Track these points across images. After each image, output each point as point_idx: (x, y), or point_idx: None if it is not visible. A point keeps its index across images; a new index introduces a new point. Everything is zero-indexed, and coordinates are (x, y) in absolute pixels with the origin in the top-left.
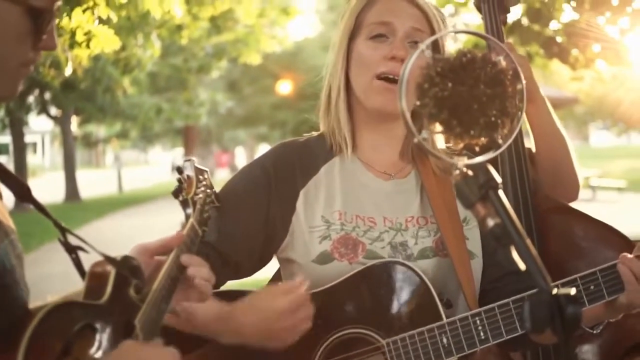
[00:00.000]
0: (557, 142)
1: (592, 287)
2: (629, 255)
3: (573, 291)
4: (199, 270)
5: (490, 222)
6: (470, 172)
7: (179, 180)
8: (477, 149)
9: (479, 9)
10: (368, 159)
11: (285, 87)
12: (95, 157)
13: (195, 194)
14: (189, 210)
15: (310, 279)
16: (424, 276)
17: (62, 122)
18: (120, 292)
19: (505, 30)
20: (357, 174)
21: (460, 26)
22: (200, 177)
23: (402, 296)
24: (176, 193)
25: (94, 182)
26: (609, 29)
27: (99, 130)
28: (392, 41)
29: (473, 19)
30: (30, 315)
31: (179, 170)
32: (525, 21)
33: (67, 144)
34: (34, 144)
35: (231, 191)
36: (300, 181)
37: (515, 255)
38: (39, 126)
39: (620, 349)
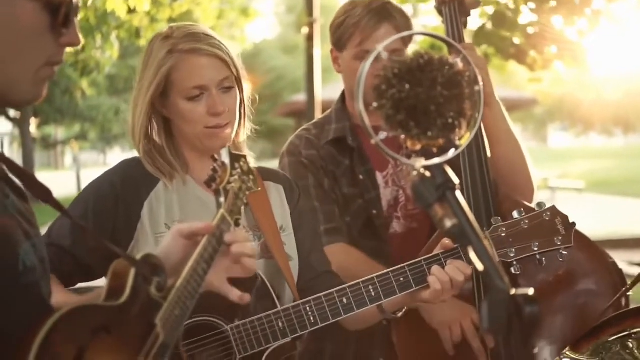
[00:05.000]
0: (511, 146)
1: (401, 279)
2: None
3: (531, 291)
4: (244, 246)
5: (448, 223)
6: (427, 174)
7: (213, 169)
8: (434, 150)
9: (440, 12)
10: (198, 177)
11: None
12: (54, 158)
13: (229, 182)
14: (221, 200)
15: None
16: (260, 273)
17: (20, 124)
18: (141, 291)
19: (470, 35)
20: (190, 189)
21: (418, 28)
22: (236, 164)
23: (243, 290)
24: (209, 182)
25: (53, 184)
26: (567, 31)
27: (58, 132)
28: (207, 96)
29: (431, 21)
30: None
31: (213, 158)
32: (489, 26)
33: (26, 145)
34: None
35: (83, 202)
36: (144, 193)
37: (473, 255)
38: None
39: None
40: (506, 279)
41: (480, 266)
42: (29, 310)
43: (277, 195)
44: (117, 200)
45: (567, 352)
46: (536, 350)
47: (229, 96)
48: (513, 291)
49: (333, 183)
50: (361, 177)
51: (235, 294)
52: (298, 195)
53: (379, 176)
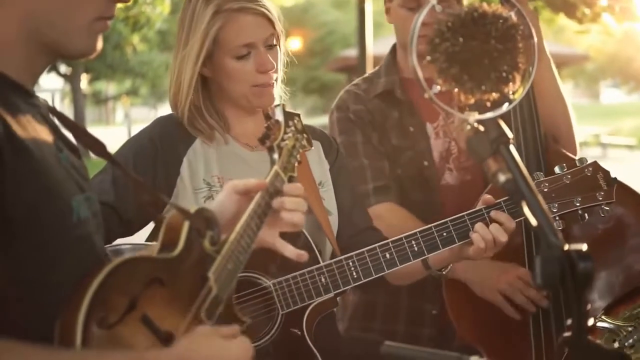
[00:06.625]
0: (557, 103)
1: (444, 233)
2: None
3: (584, 247)
4: (291, 202)
5: (502, 178)
6: (481, 128)
7: (267, 127)
8: (488, 104)
9: None
10: (236, 133)
11: (294, 44)
12: (105, 114)
13: (283, 139)
14: (275, 156)
15: None
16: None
17: (72, 79)
18: (194, 244)
19: None
20: (230, 146)
21: None
22: (290, 122)
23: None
24: (263, 139)
25: (104, 140)
26: None
27: (109, 87)
28: (255, 54)
29: None
30: None
31: (267, 116)
32: None
33: (77, 101)
34: None
35: (122, 158)
36: (182, 149)
37: (526, 210)
38: (49, 84)
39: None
40: (560, 234)
41: (533, 221)
42: (82, 262)
43: (314, 152)
44: (157, 156)
45: (603, 317)
46: (589, 307)
47: (273, 53)
48: (566, 247)
49: (382, 136)
50: (411, 129)
51: (291, 251)
52: (336, 150)
53: (429, 127)
